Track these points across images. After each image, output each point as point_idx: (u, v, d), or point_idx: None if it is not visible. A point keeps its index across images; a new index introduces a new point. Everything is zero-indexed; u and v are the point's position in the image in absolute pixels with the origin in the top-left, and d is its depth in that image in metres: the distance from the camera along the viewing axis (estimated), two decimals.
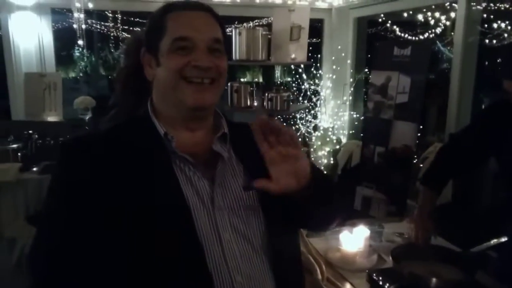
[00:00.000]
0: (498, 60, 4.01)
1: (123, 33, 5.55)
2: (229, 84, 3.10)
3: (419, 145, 3.06)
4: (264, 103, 3.10)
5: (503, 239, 1.43)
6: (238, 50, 3.08)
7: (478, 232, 1.77)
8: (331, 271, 1.56)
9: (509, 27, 4.18)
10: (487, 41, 4.12)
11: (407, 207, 2.77)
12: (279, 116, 3.23)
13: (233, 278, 0.84)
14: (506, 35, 4.16)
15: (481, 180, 2.87)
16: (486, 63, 4.36)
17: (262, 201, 0.93)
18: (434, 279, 1.29)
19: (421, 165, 2.89)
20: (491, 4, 3.90)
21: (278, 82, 4.86)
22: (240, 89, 3.07)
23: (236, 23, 3.41)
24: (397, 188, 2.87)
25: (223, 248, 0.85)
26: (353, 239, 1.64)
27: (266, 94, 3.10)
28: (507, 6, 4.02)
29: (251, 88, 3.14)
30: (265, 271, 0.89)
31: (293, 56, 3.16)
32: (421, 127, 3.06)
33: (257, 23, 4.59)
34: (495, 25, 4.15)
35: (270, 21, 3.58)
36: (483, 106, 3.90)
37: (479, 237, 1.54)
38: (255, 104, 3.14)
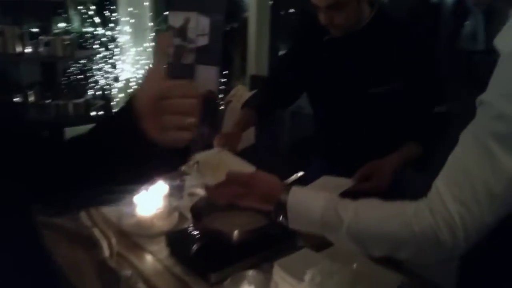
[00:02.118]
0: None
1: None
2: None
3: (225, 90, 3.05)
4: (40, 49, 2.51)
5: (300, 174, 1.37)
6: None
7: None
8: (125, 242, 1.30)
9: None
10: None
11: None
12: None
13: None
14: None
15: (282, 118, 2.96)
16: (282, 13, 4.54)
17: None
18: (236, 231, 1.15)
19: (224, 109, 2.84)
20: None
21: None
22: (4, 31, 2.41)
23: None
24: (204, 133, 2.78)
25: None
26: (150, 200, 1.41)
27: (42, 37, 2.51)
28: None
29: (21, 30, 2.50)
30: None
31: None
32: (226, 72, 3.02)
33: None
34: None
35: None
36: (279, 53, 4.04)
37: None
38: (28, 50, 2.52)
